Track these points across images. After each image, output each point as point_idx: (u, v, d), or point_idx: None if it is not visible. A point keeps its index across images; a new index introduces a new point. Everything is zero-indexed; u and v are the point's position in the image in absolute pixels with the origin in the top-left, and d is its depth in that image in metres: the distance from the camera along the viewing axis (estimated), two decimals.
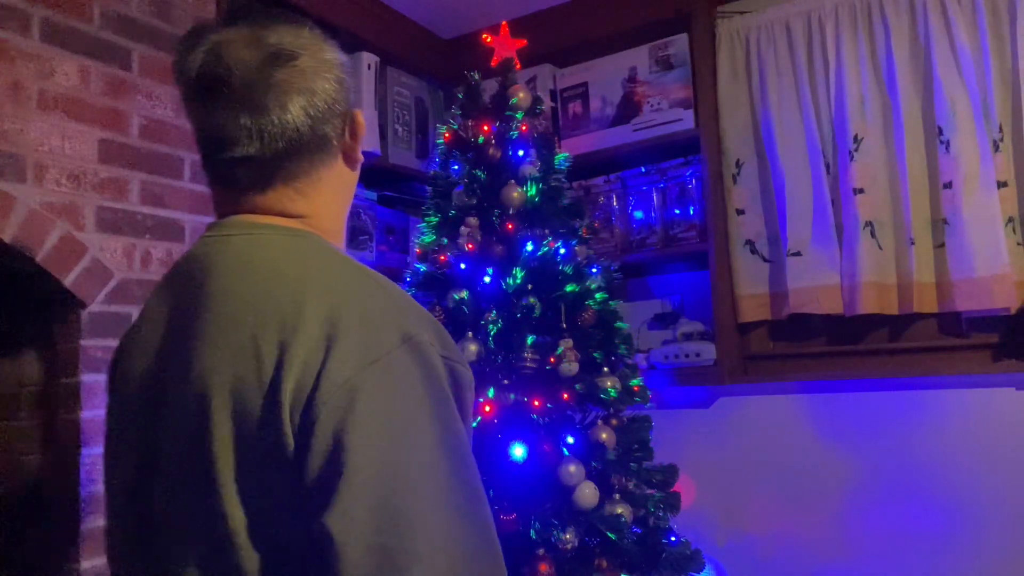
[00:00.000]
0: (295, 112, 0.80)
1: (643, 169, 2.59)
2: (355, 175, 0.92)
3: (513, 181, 1.92)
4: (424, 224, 2.02)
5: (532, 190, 1.92)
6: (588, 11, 2.65)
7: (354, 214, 2.42)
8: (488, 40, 2.07)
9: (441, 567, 0.66)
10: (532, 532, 1.74)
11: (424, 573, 0.65)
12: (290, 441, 0.68)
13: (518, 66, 2.08)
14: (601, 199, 2.65)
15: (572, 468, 1.74)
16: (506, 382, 1.84)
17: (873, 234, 2.24)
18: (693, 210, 2.50)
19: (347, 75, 0.87)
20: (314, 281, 0.75)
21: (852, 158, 2.26)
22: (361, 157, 0.92)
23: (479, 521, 0.72)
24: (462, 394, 0.77)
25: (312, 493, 0.67)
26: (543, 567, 1.71)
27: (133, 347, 0.86)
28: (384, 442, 0.68)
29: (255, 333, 0.72)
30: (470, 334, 1.84)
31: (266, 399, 0.70)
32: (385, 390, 0.70)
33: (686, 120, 2.48)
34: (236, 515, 0.70)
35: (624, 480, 1.86)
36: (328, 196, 0.87)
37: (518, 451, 1.78)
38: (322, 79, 0.83)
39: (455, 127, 2.02)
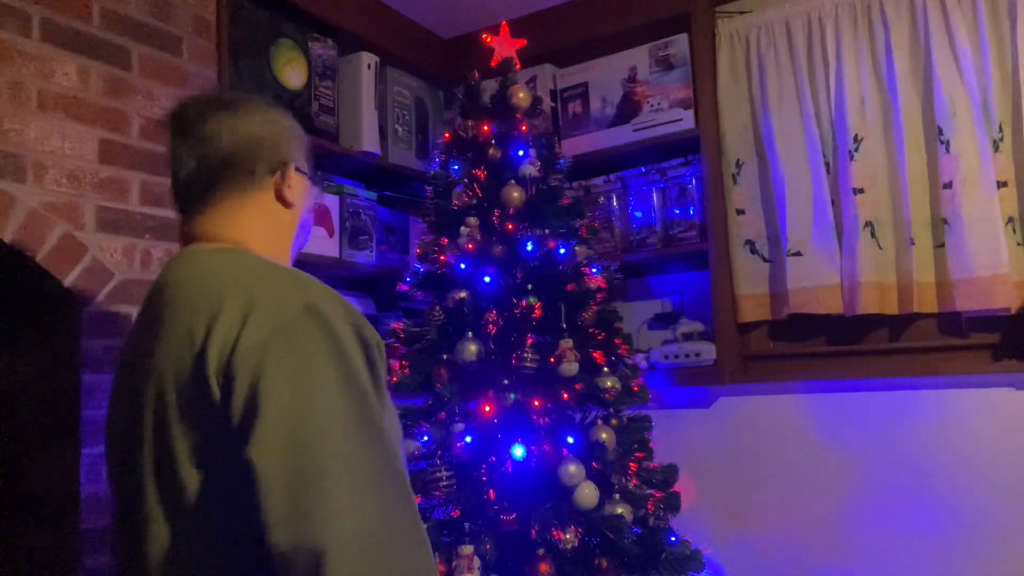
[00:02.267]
0: (225, 139, 1.06)
1: (643, 169, 2.59)
2: (291, 215, 1.13)
3: (513, 181, 1.92)
4: (424, 224, 2.02)
5: (532, 190, 1.92)
6: (588, 11, 2.65)
7: (354, 214, 2.43)
8: (488, 40, 2.07)
9: (345, 478, 0.82)
10: (532, 532, 1.74)
11: (333, 483, 0.81)
12: (216, 393, 0.87)
13: (518, 66, 2.08)
14: (601, 199, 2.65)
15: (572, 468, 1.74)
16: (506, 382, 1.84)
17: (873, 234, 2.24)
18: (693, 210, 2.50)
19: (293, 135, 1.13)
20: (233, 278, 0.96)
21: (852, 158, 2.26)
22: (294, 202, 1.12)
23: (380, 443, 0.88)
24: (370, 351, 0.93)
25: (237, 434, 0.85)
26: (543, 567, 1.71)
27: (121, 359, 1.09)
28: (291, 387, 0.85)
29: (190, 324, 0.92)
30: (470, 334, 1.84)
31: (196, 366, 0.89)
32: (290, 347, 0.87)
33: (686, 120, 2.48)
34: (182, 451, 0.90)
35: (624, 480, 1.86)
36: (254, 223, 1.08)
37: (518, 451, 1.78)
38: (255, 123, 1.08)
39: (455, 127, 2.02)
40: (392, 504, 0.85)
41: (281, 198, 1.11)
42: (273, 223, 1.11)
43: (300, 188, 1.13)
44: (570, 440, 1.82)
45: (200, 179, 1.06)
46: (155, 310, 1.01)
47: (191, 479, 0.89)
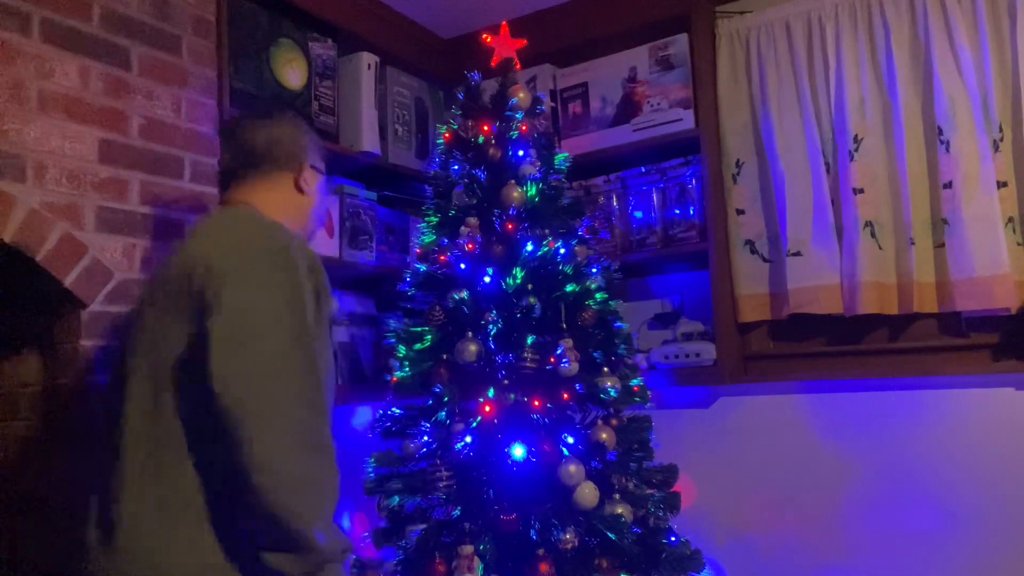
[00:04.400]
0: (258, 141, 1.49)
1: (643, 169, 2.59)
2: (307, 199, 1.54)
3: (513, 181, 1.92)
4: (424, 224, 2.02)
5: (532, 190, 1.92)
6: (588, 11, 2.65)
7: (354, 214, 2.43)
8: (488, 40, 2.07)
9: (268, 344, 1.17)
10: (532, 532, 1.74)
11: (261, 343, 1.16)
12: (196, 299, 1.22)
13: (518, 66, 2.08)
14: (601, 199, 2.64)
15: (572, 468, 1.74)
16: (506, 382, 1.84)
17: (873, 234, 2.24)
18: (693, 210, 2.50)
19: (310, 142, 1.56)
20: (226, 226, 1.37)
21: (852, 158, 2.26)
22: (309, 193, 1.54)
23: (308, 348, 1.22)
24: (319, 278, 1.30)
25: (203, 324, 1.19)
26: (543, 567, 1.71)
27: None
28: (240, 292, 1.19)
29: (192, 256, 1.27)
30: (470, 334, 1.84)
31: (185, 284, 1.24)
32: (247, 272, 1.22)
33: (686, 120, 2.48)
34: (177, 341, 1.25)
35: (624, 480, 1.86)
36: (275, 199, 1.48)
37: (518, 451, 1.78)
38: (281, 131, 1.51)
39: (455, 127, 2.02)
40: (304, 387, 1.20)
41: (297, 186, 1.51)
42: (292, 203, 1.51)
43: (314, 182, 1.55)
44: (570, 440, 1.82)
45: (240, 164, 1.47)
46: (179, 245, 1.36)
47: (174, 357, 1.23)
